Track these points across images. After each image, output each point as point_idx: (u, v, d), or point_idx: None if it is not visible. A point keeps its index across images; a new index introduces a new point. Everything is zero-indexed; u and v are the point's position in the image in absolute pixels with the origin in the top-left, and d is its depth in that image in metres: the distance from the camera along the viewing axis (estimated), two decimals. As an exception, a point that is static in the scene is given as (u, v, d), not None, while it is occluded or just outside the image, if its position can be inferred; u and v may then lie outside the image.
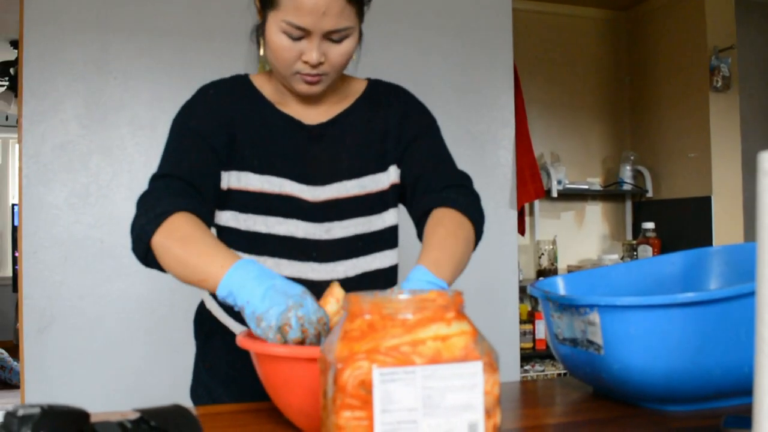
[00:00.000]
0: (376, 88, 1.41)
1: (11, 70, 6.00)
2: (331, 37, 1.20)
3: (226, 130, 1.28)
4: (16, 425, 0.64)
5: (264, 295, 0.98)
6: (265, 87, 1.35)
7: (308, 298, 0.97)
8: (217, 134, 1.27)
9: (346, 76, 1.39)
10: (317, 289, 1.25)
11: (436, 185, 1.31)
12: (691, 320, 1.01)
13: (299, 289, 0.99)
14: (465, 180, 1.34)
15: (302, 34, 1.18)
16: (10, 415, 0.65)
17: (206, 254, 1.09)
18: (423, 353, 0.68)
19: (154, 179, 1.24)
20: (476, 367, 0.69)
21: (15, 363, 5.79)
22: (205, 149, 1.26)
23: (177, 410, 0.77)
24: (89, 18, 2.43)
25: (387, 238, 1.35)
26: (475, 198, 1.32)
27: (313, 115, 1.34)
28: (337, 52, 1.22)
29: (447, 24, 2.89)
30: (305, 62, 1.20)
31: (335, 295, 1.04)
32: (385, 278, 1.34)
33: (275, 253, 1.27)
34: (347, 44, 1.23)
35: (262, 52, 1.30)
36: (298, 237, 1.27)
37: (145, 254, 1.16)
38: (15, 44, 5.81)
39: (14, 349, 6.13)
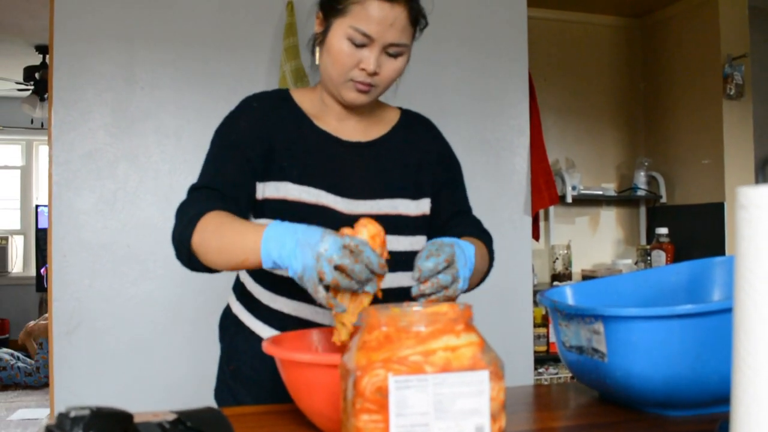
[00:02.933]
0: (410, 118, 1.52)
1: (36, 75, 6.12)
2: (389, 50, 1.29)
3: (265, 144, 1.35)
4: (69, 425, 0.71)
5: (294, 255, 1.03)
6: (304, 102, 1.43)
7: (328, 237, 1.01)
8: (255, 147, 1.34)
9: (380, 102, 1.48)
10: None
11: (467, 225, 1.45)
12: (689, 330, 1.06)
13: (318, 234, 1.03)
14: (482, 225, 1.49)
15: (365, 41, 1.27)
16: (62, 416, 0.72)
17: (240, 234, 1.14)
18: (434, 362, 0.75)
19: (191, 191, 1.31)
20: (483, 376, 0.76)
21: (20, 363, 5.82)
22: (241, 161, 1.33)
23: (210, 412, 0.84)
24: (117, 30, 2.51)
25: (410, 261, 1.41)
26: (492, 241, 1.46)
27: (349, 133, 1.42)
28: (391, 66, 1.31)
29: (463, 34, 2.94)
30: (362, 69, 1.29)
31: (365, 225, 1.07)
32: (408, 297, 1.40)
33: None
34: (400, 61, 1.33)
35: (317, 60, 1.38)
36: None
37: (189, 258, 1.23)
38: (40, 49, 5.93)
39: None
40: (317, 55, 1.38)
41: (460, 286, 1.15)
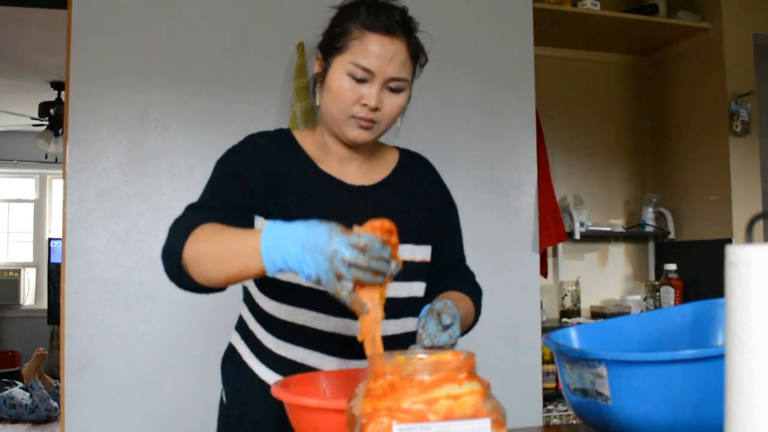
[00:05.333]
0: (409, 160, 1.52)
1: (51, 111, 6.22)
2: (390, 85, 1.30)
3: (270, 181, 1.35)
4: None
5: (304, 260, 0.98)
6: (306, 144, 1.43)
7: (337, 239, 0.97)
8: (259, 182, 1.34)
9: (380, 144, 1.49)
10: (352, 345, 1.32)
11: (460, 278, 1.49)
12: (691, 375, 1.08)
13: (324, 235, 0.98)
14: (474, 278, 1.54)
15: (366, 76, 1.28)
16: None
17: (237, 240, 1.09)
18: (437, 411, 0.77)
19: (188, 209, 1.31)
20: (485, 424, 0.78)
21: (27, 401, 5.83)
22: (243, 190, 1.33)
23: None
24: (131, 72, 2.57)
25: (412, 306, 1.40)
26: (481, 296, 1.51)
27: (351, 176, 1.42)
28: (393, 102, 1.32)
29: (470, 74, 2.98)
30: (363, 105, 1.29)
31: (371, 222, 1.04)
32: (410, 342, 1.41)
33: (314, 307, 1.33)
34: (401, 97, 1.33)
35: (318, 101, 1.39)
36: None
37: (179, 273, 1.18)
38: (55, 85, 6.03)
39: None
40: (318, 95, 1.39)
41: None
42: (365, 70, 1.27)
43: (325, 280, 0.98)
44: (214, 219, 1.22)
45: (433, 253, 1.47)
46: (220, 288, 1.20)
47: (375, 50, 1.27)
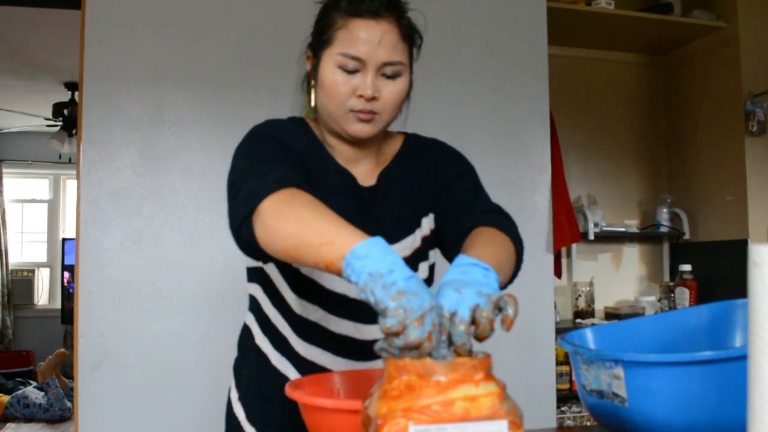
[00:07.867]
0: (413, 144, 1.43)
1: (65, 111, 6.25)
2: (384, 71, 1.23)
3: (305, 164, 1.28)
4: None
5: (410, 278, 0.85)
6: (318, 134, 1.36)
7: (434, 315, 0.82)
8: (303, 164, 1.27)
9: (386, 132, 1.40)
10: (362, 348, 1.30)
11: (476, 209, 1.28)
12: (709, 376, 1.07)
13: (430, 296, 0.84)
14: (502, 209, 1.31)
15: (357, 65, 1.21)
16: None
17: (337, 221, 0.97)
18: (454, 412, 0.76)
19: (260, 163, 1.16)
20: (501, 425, 0.77)
21: (41, 401, 5.85)
22: (296, 160, 1.25)
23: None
24: (145, 71, 2.57)
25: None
26: (514, 223, 1.28)
27: (357, 171, 1.36)
28: (391, 89, 1.24)
29: (484, 73, 2.97)
30: (360, 96, 1.22)
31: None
32: None
33: (327, 308, 1.30)
34: (400, 83, 1.25)
35: (313, 102, 1.33)
36: (349, 296, 1.28)
37: (244, 220, 1.06)
38: (69, 86, 6.06)
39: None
40: (312, 96, 1.33)
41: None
42: (355, 59, 1.21)
43: (410, 306, 0.81)
44: (302, 177, 1.12)
45: (442, 204, 1.36)
46: (268, 257, 1.08)
47: (362, 36, 1.20)
